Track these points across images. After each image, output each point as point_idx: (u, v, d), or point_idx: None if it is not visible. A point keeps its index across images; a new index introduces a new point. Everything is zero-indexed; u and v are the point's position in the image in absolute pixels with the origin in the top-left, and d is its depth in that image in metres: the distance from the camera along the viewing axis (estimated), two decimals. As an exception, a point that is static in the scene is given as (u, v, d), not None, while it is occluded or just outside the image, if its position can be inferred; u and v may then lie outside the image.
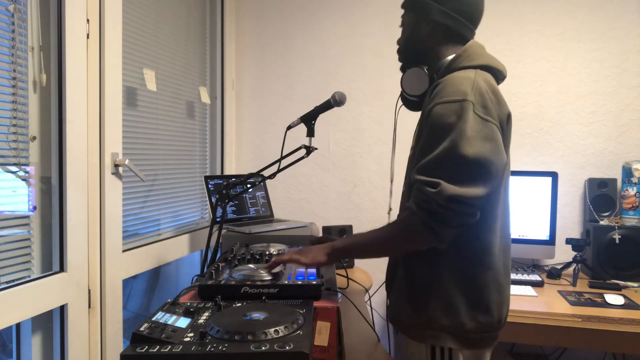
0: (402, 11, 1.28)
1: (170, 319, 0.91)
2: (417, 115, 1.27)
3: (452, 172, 1.02)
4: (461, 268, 1.11)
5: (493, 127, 1.05)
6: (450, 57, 1.18)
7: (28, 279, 1.29)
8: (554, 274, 2.01)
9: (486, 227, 1.11)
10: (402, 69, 1.28)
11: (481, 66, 1.13)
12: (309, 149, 1.48)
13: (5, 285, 1.21)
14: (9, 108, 1.25)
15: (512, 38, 2.29)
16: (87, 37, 1.44)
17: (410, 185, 1.14)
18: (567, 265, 2.03)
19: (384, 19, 2.39)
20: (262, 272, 1.16)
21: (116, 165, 1.55)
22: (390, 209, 1.58)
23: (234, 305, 1.00)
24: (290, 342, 0.80)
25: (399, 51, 1.29)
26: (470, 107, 1.03)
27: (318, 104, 1.50)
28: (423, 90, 1.21)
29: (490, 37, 2.31)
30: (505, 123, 1.11)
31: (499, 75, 1.19)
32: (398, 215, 1.24)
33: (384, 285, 1.34)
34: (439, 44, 1.20)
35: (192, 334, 0.85)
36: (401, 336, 1.21)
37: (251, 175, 1.58)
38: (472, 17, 1.19)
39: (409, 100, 1.31)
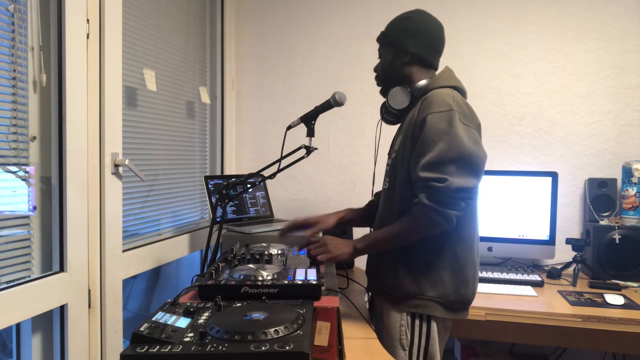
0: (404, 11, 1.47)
1: (170, 319, 0.91)
2: (393, 128, 1.56)
3: (453, 167, 1.25)
4: (450, 249, 1.34)
5: (474, 131, 1.32)
6: (425, 80, 1.43)
7: (28, 279, 1.29)
8: (554, 274, 2.01)
9: (470, 214, 1.35)
10: (382, 92, 1.52)
11: (452, 86, 1.39)
12: (309, 149, 1.48)
13: (5, 285, 1.21)
14: (9, 108, 1.25)
15: (512, 38, 2.29)
16: (87, 37, 1.44)
17: (399, 183, 1.38)
18: (567, 265, 2.03)
19: (384, 19, 2.38)
20: (264, 272, 1.16)
21: (116, 165, 1.55)
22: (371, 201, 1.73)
23: (234, 305, 1.00)
24: (290, 342, 0.80)
25: (378, 77, 1.54)
26: (456, 115, 1.28)
27: (318, 104, 1.50)
28: (406, 105, 1.44)
29: (490, 37, 2.31)
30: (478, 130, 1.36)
31: (464, 94, 1.44)
32: (384, 206, 1.47)
33: (366, 264, 1.55)
34: (414, 70, 1.45)
35: (192, 334, 0.85)
36: (380, 309, 1.45)
37: (251, 175, 1.58)
38: (439, 48, 1.47)
39: (391, 114, 1.52)
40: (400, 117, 1.51)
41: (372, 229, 1.58)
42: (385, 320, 1.42)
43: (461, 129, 1.27)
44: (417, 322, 1.36)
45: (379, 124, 1.63)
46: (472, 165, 1.27)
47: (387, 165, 1.51)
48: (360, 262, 2.37)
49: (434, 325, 1.36)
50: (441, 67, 1.49)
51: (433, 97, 1.33)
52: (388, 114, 1.53)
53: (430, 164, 1.27)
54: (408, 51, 1.43)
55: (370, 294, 1.61)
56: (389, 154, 1.55)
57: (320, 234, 1.57)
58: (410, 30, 1.44)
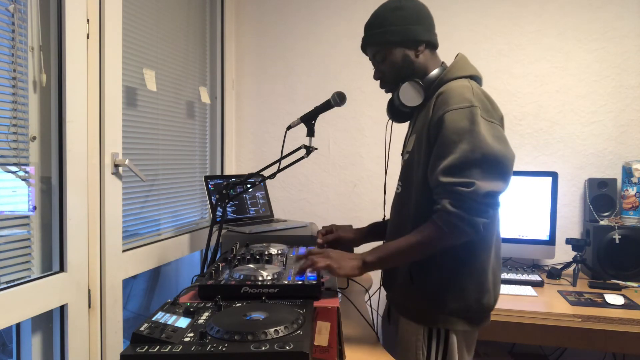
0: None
1: (170, 319, 0.91)
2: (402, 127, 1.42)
3: (479, 170, 1.13)
4: (475, 257, 1.23)
5: (499, 127, 1.19)
6: (436, 70, 1.31)
7: (28, 279, 1.29)
8: (554, 274, 2.01)
9: (495, 218, 1.25)
10: (392, 94, 1.37)
11: (469, 76, 1.27)
12: (309, 149, 1.48)
13: (5, 285, 1.21)
14: (9, 108, 1.25)
15: (512, 38, 2.29)
16: (87, 37, 1.44)
17: (415, 187, 1.26)
18: (567, 265, 2.03)
19: (384, 19, 2.39)
20: (264, 272, 1.16)
21: (116, 165, 1.55)
22: (384, 217, 1.59)
23: (234, 305, 1.00)
24: (290, 342, 0.80)
25: (386, 83, 1.37)
26: (478, 112, 1.15)
27: (318, 104, 1.50)
28: (421, 101, 1.30)
29: (490, 37, 2.31)
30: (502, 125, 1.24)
31: (480, 83, 1.31)
32: (398, 213, 1.34)
33: (381, 279, 1.44)
34: (427, 59, 1.33)
35: (192, 334, 0.85)
36: (397, 323, 1.34)
37: (251, 175, 1.58)
38: (434, 25, 1.35)
39: (400, 112, 1.39)
40: (411, 114, 1.40)
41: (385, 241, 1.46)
42: (400, 333, 1.32)
43: (484, 126, 1.15)
44: (434, 337, 1.24)
45: (388, 124, 1.50)
46: (499, 167, 1.15)
47: (401, 166, 1.39)
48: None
49: (452, 339, 1.24)
50: (446, 57, 1.38)
51: (450, 92, 1.20)
52: (398, 113, 1.41)
53: (452, 167, 1.14)
54: (420, 40, 1.30)
55: (387, 303, 1.53)
56: (401, 154, 1.43)
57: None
58: (413, 18, 1.30)
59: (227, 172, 2.50)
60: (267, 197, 2.13)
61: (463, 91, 1.19)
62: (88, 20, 1.44)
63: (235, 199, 1.98)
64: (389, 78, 1.36)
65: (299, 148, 1.48)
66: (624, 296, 1.76)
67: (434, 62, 1.34)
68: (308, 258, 1.22)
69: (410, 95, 1.31)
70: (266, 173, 1.57)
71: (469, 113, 1.15)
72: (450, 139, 1.15)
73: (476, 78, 1.28)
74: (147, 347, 0.80)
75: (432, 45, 1.34)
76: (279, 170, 1.53)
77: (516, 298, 1.77)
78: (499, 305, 1.68)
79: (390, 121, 1.47)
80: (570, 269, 2.02)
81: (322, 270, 1.20)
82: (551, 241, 2.07)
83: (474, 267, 1.23)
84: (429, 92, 1.29)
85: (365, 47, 1.40)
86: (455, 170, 1.14)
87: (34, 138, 1.34)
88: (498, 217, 1.28)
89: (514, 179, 2.07)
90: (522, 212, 2.10)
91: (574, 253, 2.01)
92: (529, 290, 1.84)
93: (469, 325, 1.24)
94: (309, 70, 2.51)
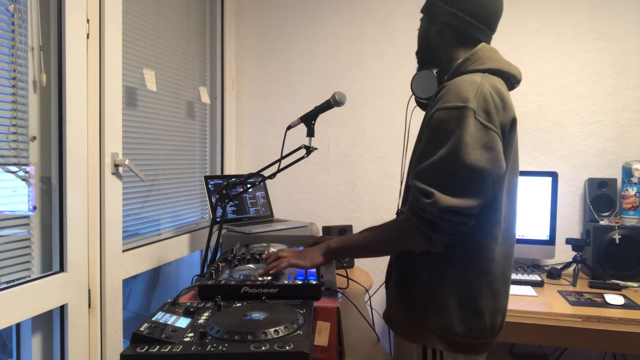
0: (416, 13, 1.31)
1: (170, 319, 0.91)
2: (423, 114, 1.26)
3: (447, 181, 1.03)
4: (456, 271, 1.11)
5: (494, 135, 1.04)
6: (459, 60, 1.16)
7: (28, 279, 1.29)
8: (554, 274, 2.00)
9: (485, 232, 1.10)
10: (418, 71, 1.29)
11: (490, 70, 1.12)
12: (309, 149, 1.48)
13: (5, 285, 1.21)
14: (9, 108, 1.25)
15: (512, 38, 2.28)
16: (87, 37, 1.44)
17: (408, 187, 1.16)
18: (567, 265, 2.03)
19: (383, 19, 2.39)
20: (261, 273, 1.16)
21: (116, 165, 1.55)
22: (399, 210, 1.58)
23: (234, 305, 1.00)
24: (290, 342, 0.80)
25: (416, 53, 1.31)
26: (470, 114, 1.02)
27: (318, 104, 1.50)
28: (432, 93, 1.20)
29: (490, 37, 2.31)
30: (508, 129, 1.10)
31: (512, 79, 1.17)
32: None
33: (384, 285, 1.37)
34: (450, 45, 1.20)
35: (192, 334, 0.85)
36: (394, 336, 1.24)
37: (251, 175, 1.58)
38: (483, 18, 1.16)
39: (421, 102, 1.32)
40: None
41: None
42: (400, 349, 1.23)
43: (472, 130, 1.01)
44: (429, 357, 1.13)
45: (412, 111, 1.39)
46: (472, 181, 1.02)
47: None
48: (360, 262, 2.37)
49: None
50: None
51: (450, 87, 1.07)
52: (419, 102, 1.33)
53: (423, 171, 1.06)
54: (439, 20, 1.18)
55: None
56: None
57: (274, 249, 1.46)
58: None
59: (227, 172, 2.49)
60: (267, 197, 2.13)
61: (465, 87, 1.05)
62: (88, 20, 1.44)
63: (235, 199, 1.98)
64: (417, 49, 1.30)
65: (299, 148, 1.48)
66: (624, 296, 1.76)
67: (460, 53, 1.19)
68: (268, 265, 1.19)
69: (422, 85, 1.23)
70: (266, 173, 1.57)
71: (459, 114, 1.02)
72: (432, 141, 1.07)
73: (500, 72, 1.13)
74: (147, 347, 0.80)
75: (456, 33, 1.18)
76: (279, 170, 1.53)
77: (516, 298, 1.76)
78: (499, 305, 1.68)
79: (413, 108, 1.39)
80: (570, 269, 2.02)
81: (286, 268, 1.18)
82: (551, 241, 2.07)
83: (454, 283, 1.10)
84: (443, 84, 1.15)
85: None
86: (424, 176, 1.06)
87: (34, 138, 1.34)
88: (496, 235, 1.11)
89: (514, 179, 2.09)
90: (522, 212, 2.10)
91: (574, 253, 2.01)
92: (529, 290, 1.84)
93: (450, 348, 1.10)
94: (309, 71, 2.51)
